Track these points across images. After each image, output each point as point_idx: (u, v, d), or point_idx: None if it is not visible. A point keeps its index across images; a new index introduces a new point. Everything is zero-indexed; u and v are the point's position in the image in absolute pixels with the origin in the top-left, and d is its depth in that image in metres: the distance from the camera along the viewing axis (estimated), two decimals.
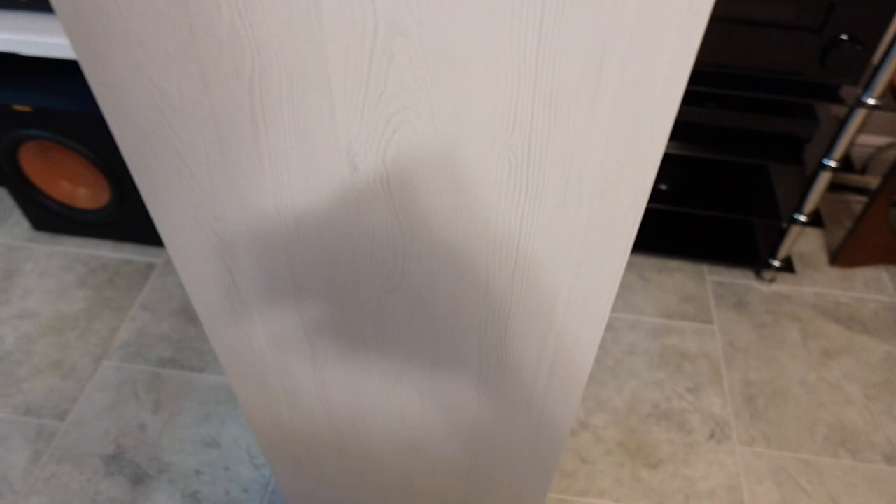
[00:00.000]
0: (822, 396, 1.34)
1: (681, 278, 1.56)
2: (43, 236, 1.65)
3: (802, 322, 1.47)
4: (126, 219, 1.55)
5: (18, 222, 1.68)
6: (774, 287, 1.53)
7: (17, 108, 1.35)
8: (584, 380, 0.65)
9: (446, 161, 0.45)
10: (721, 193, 1.48)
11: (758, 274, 1.54)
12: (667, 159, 1.57)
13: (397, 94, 0.42)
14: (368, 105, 0.43)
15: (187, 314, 1.48)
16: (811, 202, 1.36)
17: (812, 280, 1.55)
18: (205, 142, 0.47)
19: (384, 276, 0.56)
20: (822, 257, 1.59)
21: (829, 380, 1.36)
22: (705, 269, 1.58)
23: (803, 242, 1.63)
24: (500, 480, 0.84)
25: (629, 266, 1.58)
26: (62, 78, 1.41)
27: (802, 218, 1.38)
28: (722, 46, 1.17)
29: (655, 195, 1.47)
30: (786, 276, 1.55)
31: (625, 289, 1.53)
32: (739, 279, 1.55)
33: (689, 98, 1.31)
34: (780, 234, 1.46)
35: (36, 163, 1.49)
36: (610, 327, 1.46)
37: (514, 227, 0.49)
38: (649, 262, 1.59)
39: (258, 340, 0.67)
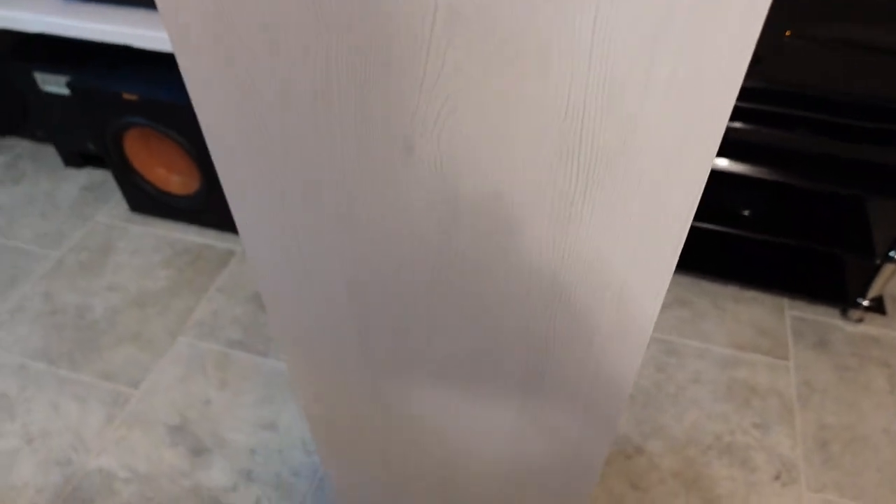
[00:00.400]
0: None
1: (758, 310, 1.48)
2: (138, 217, 1.77)
3: (891, 368, 1.36)
4: (212, 206, 1.64)
5: (118, 203, 1.82)
6: (861, 328, 1.43)
7: (126, 96, 1.46)
8: (626, 393, 0.63)
9: (497, 144, 0.46)
10: (809, 223, 1.40)
11: (844, 312, 1.44)
12: (751, 184, 1.50)
13: (453, 76, 0.43)
14: (427, 85, 0.44)
15: (259, 301, 1.55)
16: None
17: None
18: (272, 120, 0.50)
19: (429, 265, 0.57)
20: None
21: None
22: (785, 302, 1.49)
23: None
24: (543, 488, 0.83)
25: (703, 292, 1.52)
26: (166, 71, 1.52)
27: None
28: (824, 69, 1.12)
29: (737, 221, 1.41)
30: (875, 317, 1.44)
31: (696, 315, 1.47)
32: (822, 316, 1.46)
33: (781, 121, 1.25)
34: (873, 272, 1.37)
35: (137, 148, 1.60)
36: (675, 353, 1.40)
37: (562, 219, 0.49)
38: (726, 291, 1.52)
39: (313, 328, 0.70)
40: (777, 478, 1.20)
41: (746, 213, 1.41)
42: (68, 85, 1.50)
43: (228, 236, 1.71)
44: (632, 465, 1.23)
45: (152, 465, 1.25)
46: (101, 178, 1.90)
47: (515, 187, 0.48)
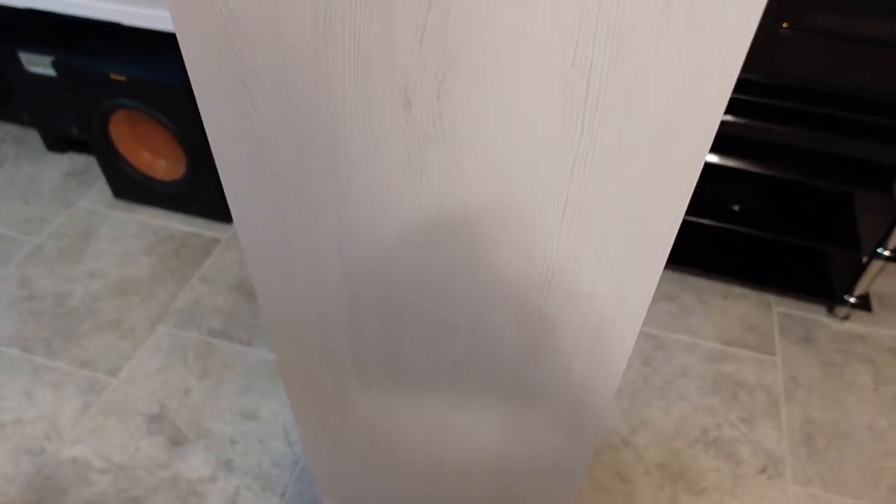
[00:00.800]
0: (892, 445, 1.23)
1: (745, 306, 1.48)
2: (121, 204, 1.74)
3: (876, 365, 1.36)
4: (197, 193, 1.62)
5: (102, 189, 1.78)
6: (847, 325, 1.43)
7: (115, 77, 1.43)
8: (619, 374, 0.62)
9: (502, 95, 0.44)
10: (798, 219, 1.41)
11: (830, 310, 1.45)
12: (740, 179, 1.50)
13: (459, 22, 0.41)
14: (427, 34, 0.43)
15: (242, 290, 1.52)
16: None
17: (891, 322, 1.44)
18: (266, 69, 0.48)
19: (428, 229, 0.55)
20: None
21: None
22: (772, 299, 1.49)
23: (884, 282, 1.52)
24: (530, 479, 0.81)
25: (690, 287, 1.52)
26: (156, 51, 1.50)
27: (886, 252, 1.29)
28: (817, 61, 1.12)
29: (726, 215, 1.41)
30: (861, 314, 1.45)
31: (683, 310, 1.47)
32: (809, 313, 1.46)
33: (772, 114, 1.25)
34: (860, 269, 1.37)
35: (123, 132, 1.57)
36: (662, 347, 1.40)
37: (563, 173, 0.47)
38: (713, 286, 1.52)
39: (305, 307, 0.68)
40: (763, 471, 1.19)
41: (736, 207, 1.42)
42: (54, 65, 1.47)
43: (213, 224, 1.69)
44: (619, 457, 1.22)
45: (129, 455, 1.22)
46: (85, 163, 1.86)
47: (516, 148, 0.47)
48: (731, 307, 1.48)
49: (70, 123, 1.76)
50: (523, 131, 0.46)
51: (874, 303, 1.47)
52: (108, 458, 1.22)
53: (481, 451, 0.78)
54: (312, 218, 0.58)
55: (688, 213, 1.39)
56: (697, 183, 1.44)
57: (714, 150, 1.30)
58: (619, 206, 0.49)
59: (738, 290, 1.51)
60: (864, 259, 1.34)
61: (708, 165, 1.29)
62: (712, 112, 0.42)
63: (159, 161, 1.63)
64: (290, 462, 1.21)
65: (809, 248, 1.54)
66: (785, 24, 1.12)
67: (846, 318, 1.43)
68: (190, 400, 1.31)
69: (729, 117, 1.25)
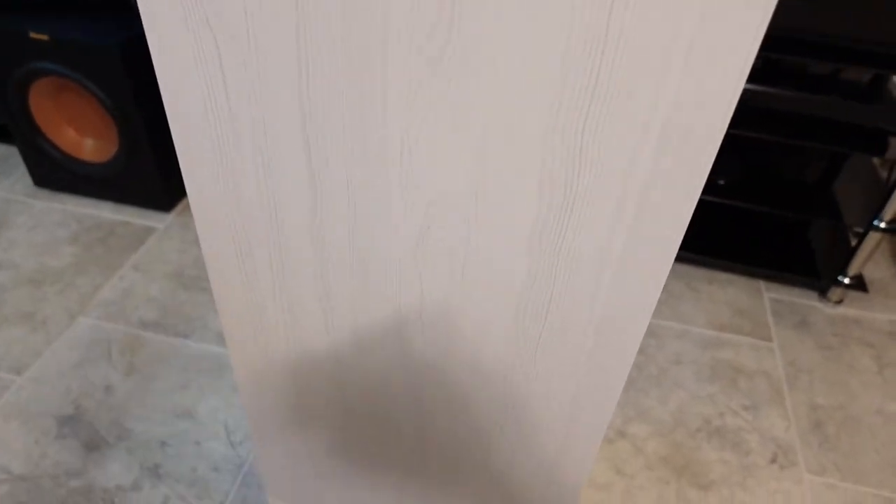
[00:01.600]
0: None
1: (734, 291, 1.38)
2: (43, 193, 1.54)
3: (876, 348, 1.27)
4: (130, 177, 1.44)
5: (21, 178, 1.58)
6: (841, 310, 1.35)
7: (35, 36, 1.26)
8: (629, 363, 0.49)
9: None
10: (788, 192, 1.33)
11: (823, 294, 1.36)
12: (725, 150, 1.42)
13: None
14: None
15: (181, 279, 1.34)
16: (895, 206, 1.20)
17: (885, 306, 1.36)
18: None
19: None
20: None
21: None
22: (762, 284, 1.40)
23: (872, 267, 1.45)
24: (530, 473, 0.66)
25: (676, 274, 1.41)
26: (84, 7, 1.34)
27: (882, 224, 1.22)
28: (813, 12, 1.06)
29: (712, 190, 1.32)
30: (853, 299, 1.37)
31: (672, 297, 1.36)
32: (800, 298, 1.37)
33: (765, 75, 1.18)
34: (851, 249, 1.30)
35: (45, 104, 1.39)
36: (654, 334, 1.28)
37: (574, 142, 0.35)
38: (699, 273, 1.42)
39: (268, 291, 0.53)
40: (774, 461, 1.07)
41: (721, 182, 1.33)
42: None
43: (149, 213, 1.50)
44: (615, 449, 1.07)
45: (32, 463, 1.00)
46: (3, 152, 1.66)
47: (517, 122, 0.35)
48: (720, 293, 1.38)
49: None
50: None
51: (870, 288, 1.39)
52: (5, 468, 0.99)
53: (469, 460, 0.63)
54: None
55: None
56: None
57: None
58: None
59: (724, 276, 1.42)
60: (860, 232, 1.26)
61: None
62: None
63: (86, 140, 1.45)
64: (232, 466, 1.02)
65: (797, 231, 1.46)
66: None
67: (840, 301, 1.35)
68: (112, 398, 1.10)
69: None
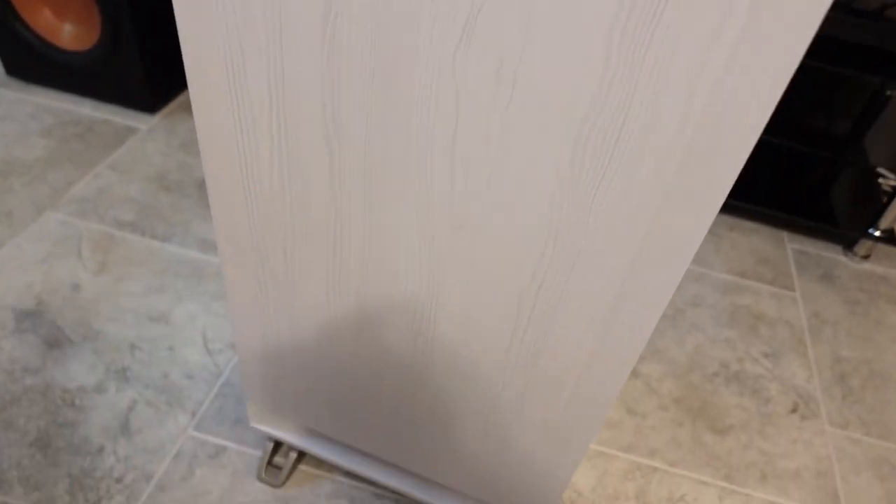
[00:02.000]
0: None
1: (756, 240, 1.30)
2: (14, 83, 1.41)
3: None
4: (112, 72, 1.31)
5: None
6: (867, 266, 1.27)
7: None
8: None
9: None
10: (815, 132, 1.24)
11: (850, 247, 1.28)
12: None
13: None
14: None
15: (163, 182, 1.22)
16: None
17: None
18: None
19: None
20: None
21: None
22: (784, 235, 1.32)
23: None
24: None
25: None
26: None
27: None
28: None
29: None
30: (880, 255, 1.29)
31: None
32: (824, 251, 1.29)
33: None
34: (884, 202, 1.22)
35: None
36: None
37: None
38: (720, 219, 1.34)
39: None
40: (794, 410, 0.99)
41: None
42: None
43: (132, 113, 1.38)
44: (626, 388, 0.99)
45: None
46: None
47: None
48: (742, 240, 1.29)
49: None
50: None
51: (888, 248, 1.31)
52: None
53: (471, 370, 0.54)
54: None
55: None
56: None
57: None
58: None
59: (746, 224, 1.33)
60: (894, 185, 1.18)
61: None
62: None
63: (65, 25, 1.32)
64: (208, 374, 0.92)
65: (824, 183, 1.38)
66: None
67: (867, 256, 1.27)
68: (79, 297, 1.00)
69: None
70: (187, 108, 1.42)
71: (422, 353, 0.57)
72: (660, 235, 0.41)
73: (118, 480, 0.80)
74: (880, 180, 1.37)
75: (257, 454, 0.84)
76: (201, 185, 1.22)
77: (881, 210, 1.22)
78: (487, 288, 0.50)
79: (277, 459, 0.83)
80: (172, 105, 1.42)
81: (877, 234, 1.23)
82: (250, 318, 0.64)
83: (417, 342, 0.57)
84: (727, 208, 1.33)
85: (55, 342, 0.93)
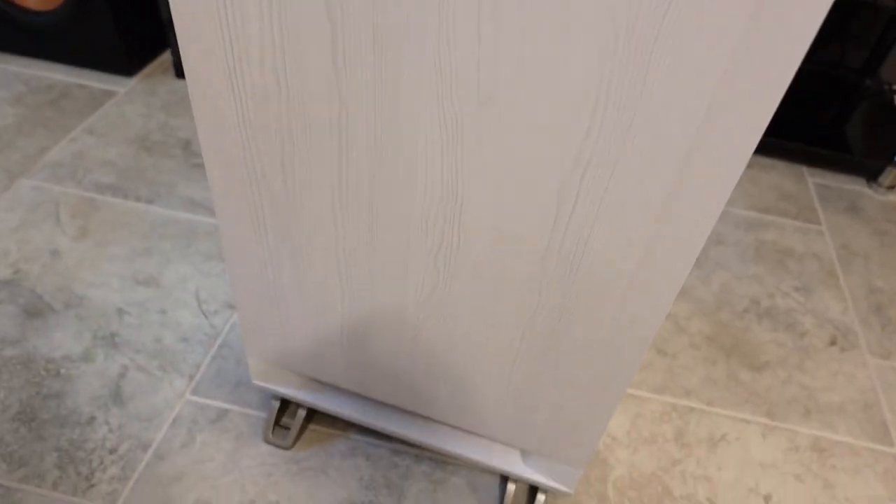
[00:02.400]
0: None
1: (776, 175, 1.23)
2: None
3: None
4: (83, 32, 1.22)
5: None
6: (893, 197, 1.21)
7: None
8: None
9: None
10: (833, 53, 1.17)
11: (874, 178, 1.22)
12: None
13: None
14: None
15: (144, 143, 1.14)
16: None
17: None
18: None
19: None
20: None
21: None
22: (804, 170, 1.26)
23: None
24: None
25: None
26: None
27: None
28: None
29: None
30: None
31: None
32: (847, 184, 1.23)
33: None
34: None
35: None
36: None
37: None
38: None
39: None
40: (833, 343, 0.93)
41: None
42: None
43: (109, 77, 1.29)
44: None
45: None
46: None
47: None
48: (761, 176, 1.23)
49: None
50: None
51: None
52: None
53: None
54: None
55: None
56: None
57: None
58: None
59: (764, 160, 1.27)
60: None
61: None
62: None
63: None
64: (204, 336, 0.85)
65: (843, 112, 1.31)
66: None
67: (892, 187, 1.21)
68: (59, 263, 0.92)
69: None
70: (168, 69, 1.33)
71: (444, 270, 0.50)
72: (726, 101, 0.35)
73: (112, 451, 0.73)
74: None
75: (262, 416, 0.77)
76: (186, 145, 1.15)
77: None
78: (523, 180, 0.43)
79: (285, 419, 0.76)
80: (152, 66, 1.34)
81: None
82: (247, 254, 0.57)
83: (438, 260, 0.50)
84: None
85: (35, 311, 0.86)
